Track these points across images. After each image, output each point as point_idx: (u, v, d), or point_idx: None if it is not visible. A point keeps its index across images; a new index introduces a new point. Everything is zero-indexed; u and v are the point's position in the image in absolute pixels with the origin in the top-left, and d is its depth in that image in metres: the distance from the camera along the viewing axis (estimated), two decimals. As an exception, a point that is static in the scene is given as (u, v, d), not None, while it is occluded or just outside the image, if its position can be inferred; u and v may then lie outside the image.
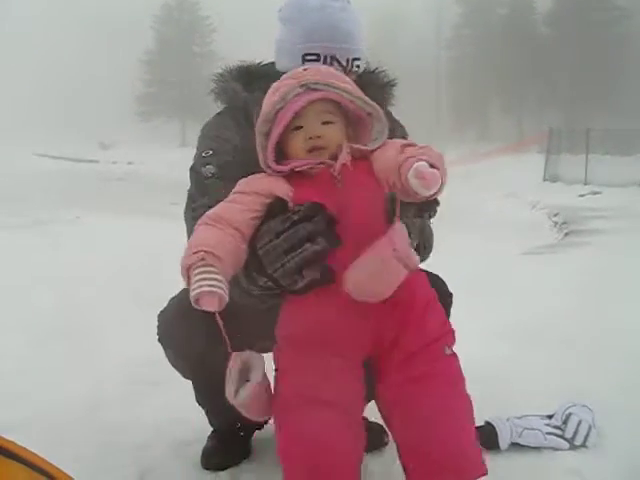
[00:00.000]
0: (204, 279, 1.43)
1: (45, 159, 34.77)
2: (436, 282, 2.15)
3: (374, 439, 2.15)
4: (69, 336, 3.54)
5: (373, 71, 2.15)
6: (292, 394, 1.57)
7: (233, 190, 1.68)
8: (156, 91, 55.92)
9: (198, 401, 2.21)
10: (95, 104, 68.89)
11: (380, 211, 1.59)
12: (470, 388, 2.80)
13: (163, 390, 2.78)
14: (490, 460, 2.16)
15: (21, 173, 21.51)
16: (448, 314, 2.10)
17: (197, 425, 2.35)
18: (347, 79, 1.70)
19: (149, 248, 6.10)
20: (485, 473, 1.56)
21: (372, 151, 1.66)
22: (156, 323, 2.07)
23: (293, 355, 1.62)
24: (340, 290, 1.50)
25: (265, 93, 1.85)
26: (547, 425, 2.32)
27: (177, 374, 2.15)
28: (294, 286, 1.57)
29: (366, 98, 1.66)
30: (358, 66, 1.97)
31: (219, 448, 2.20)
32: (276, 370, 1.66)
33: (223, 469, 2.17)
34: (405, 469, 1.61)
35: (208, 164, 1.98)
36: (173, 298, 2.07)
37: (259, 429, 2.26)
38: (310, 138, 1.61)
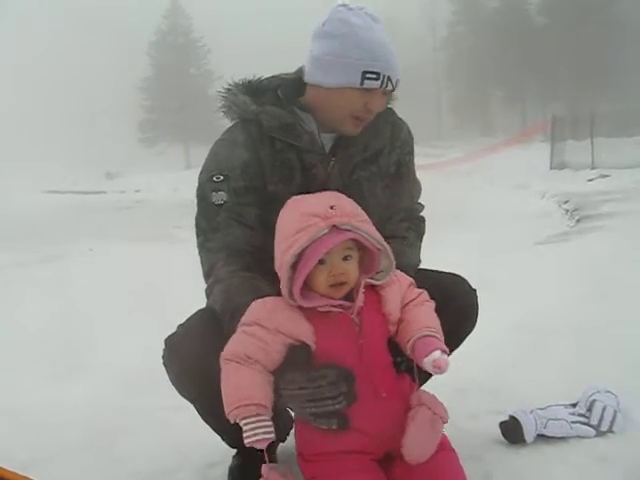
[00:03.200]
0: (258, 427, 1.63)
1: (54, 195, 34.96)
2: (458, 281, 2.19)
3: None
4: (86, 367, 3.56)
5: None
6: None
7: (252, 316, 1.74)
8: (157, 117, 56.40)
9: (207, 422, 2.14)
10: (97, 135, 69.44)
11: (388, 359, 1.78)
12: (490, 381, 2.83)
13: (184, 415, 2.79)
14: (516, 454, 2.19)
15: (30, 209, 21.66)
16: (476, 311, 2.19)
17: (221, 446, 2.34)
18: (364, 215, 1.77)
19: (163, 274, 6.14)
20: None
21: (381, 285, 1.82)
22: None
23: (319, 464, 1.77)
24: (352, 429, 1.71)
25: (274, 105, 2.05)
26: (572, 414, 2.29)
27: None
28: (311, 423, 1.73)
29: (379, 237, 1.76)
30: (398, 88, 2.03)
31: (245, 466, 2.17)
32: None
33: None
34: None
35: (220, 190, 1.99)
36: (181, 325, 2.02)
37: (282, 441, 2.21)
38: (333, 274, 1.71)
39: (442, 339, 1.73)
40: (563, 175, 19.91)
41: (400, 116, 2.25)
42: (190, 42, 59.73)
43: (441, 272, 2.21)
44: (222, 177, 2.00)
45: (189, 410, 2.07)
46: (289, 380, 1.68)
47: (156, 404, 2.96)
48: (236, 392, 1.66)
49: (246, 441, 1.62)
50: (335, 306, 1.72)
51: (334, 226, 1.68)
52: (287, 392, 1.69)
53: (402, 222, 2.20)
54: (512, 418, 2.26)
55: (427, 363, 1.66)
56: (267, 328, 1.71)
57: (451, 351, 2.14)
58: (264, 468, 1.69)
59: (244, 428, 1.63)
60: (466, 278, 2.19)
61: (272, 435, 1.64)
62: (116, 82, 66.41)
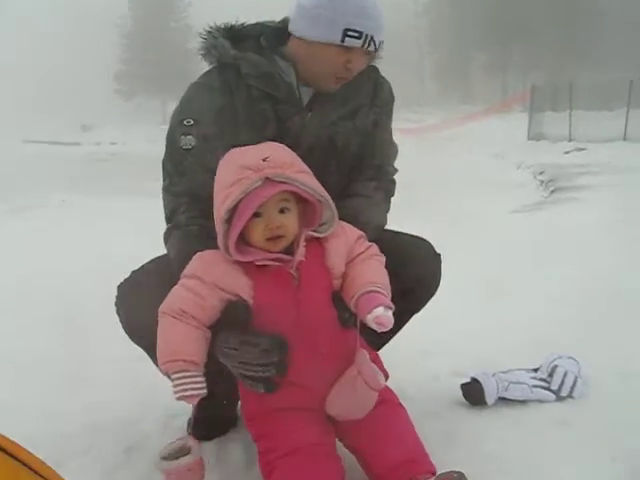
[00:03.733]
0: (185, 383, 1.62)
1: (30, 145, 34.38)
2: (422, 245, 2.18)
3: None
4: (56, 320, 3.52)
5: None
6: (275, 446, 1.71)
7: (191, 270, 1.72)
8: (135, 69, 55.50)
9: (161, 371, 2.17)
10: (75, 87, 68.34)
11: (331, 315, 1.74)
12: (455, 344, 2.86)
13: (147, 365, 2.79)
14: (477, 415, 2.22)
15: (6, 159, 21.30)
16: (438, 276, 2.16)
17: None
18: (302, 166, 1.74)
19: (134, 229, 6.07)
20: (433, 471, 1.66)
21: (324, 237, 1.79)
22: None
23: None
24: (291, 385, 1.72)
25: (255, 52, 1.98)
26: (533, 378, 2.32)
27: None
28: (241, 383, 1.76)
29: (318, 187, 1.73)
30: (382, 49, 1.98)
31: (204, 418, 2.19)
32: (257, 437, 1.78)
33: (210, 439, 2.14)
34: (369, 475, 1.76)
35: (189, 134, 1.95)
36: (134, 271, 2.03)
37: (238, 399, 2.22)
38: (269, 227, 1.68)
39: (388, 294, 1.69)
40: (540, 146, 20.01)
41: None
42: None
43: (405, 234, 2.20)
44: (192, 121, 1.96)
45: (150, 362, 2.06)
46: (223, 339, 1.69)
47: (119, 354, 2.95)
48: (167, 347, 1.66)
49: (174, 396, 1.62)
50: (273, 260, 1.69)
51: (267, 178, 1.65)
52: (220, 349, 1.69)
53: (370, 181, 2.14)
54: (474, 380, 2.28)
55: (370, 320, 1.62)
56: (205, 282, 1.69)
57: (412, 314, 2.19)
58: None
59: (173, 383, 1.62)
60: (430, 242, 2.18)
61: (202, 391, 1.63)
62: (99, 34, 65.14)
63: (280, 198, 1.69)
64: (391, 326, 1.61)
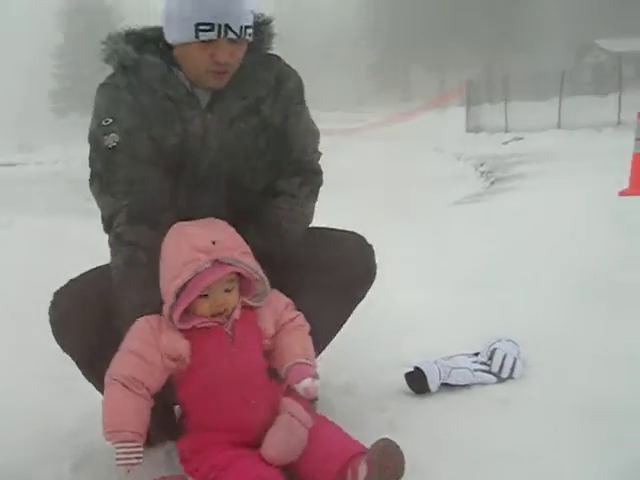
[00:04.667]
0: (130, 453, 1.71)
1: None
2: (354, 238, 2.22)
3: None
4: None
5: (262, 22, 2.09)
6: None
7: (138, 336, 1.83)
8: (70, 86, 54.58)
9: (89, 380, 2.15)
10: (10, 106, 66.85)
11: (262, 358, 1.91)
12: (398, 335, 2.90)
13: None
14: (422, 403, 2.26)
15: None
16: (374, 266, 2.23)
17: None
18: (245, 247, 1.90)
19: (80, 247, 5.97)
20: (364, 451, 1.69)
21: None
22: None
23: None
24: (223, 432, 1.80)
25: (155, 56, 2.00)
26: (474, 362, 2.38)
27: None
28: None
29: (257, 268, 1.88)
30: (250, 34, 1.94)
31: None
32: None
33: (154, 445, 2.09)
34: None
35: (111, 132, 1.96)
36: (72, 280, 2.05)
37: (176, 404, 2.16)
38: (215, 305, 1.85)
39: (313, 363, 1.92)
40: (479, 138, 20.42)
41: (288, 64, 2.17)
42: (102, 10, 57.87)
43: (337, 230, 2.24)
44: (110, 120, 1.97)
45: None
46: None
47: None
48: (116, 417, 1.75)
49: (117, 462, 1.70)
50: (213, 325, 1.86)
51: (216, 260, 1.82)
52: None
53: (294, 177, 2.13)
54: (417, 369, 2.32)
55: (299, 388, 1.83)
56: (151, 349, 1.81)
57: (351, 309, 2.25)
58: None
59: (117, 451, 1.71)
60: (362, 235, 2.23)
61: (141, 460, 1.72)
62: (30, 50, 63.90)
63: (226, 279, 1.85)
64: (317, 394, 1.88)
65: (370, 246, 2.22)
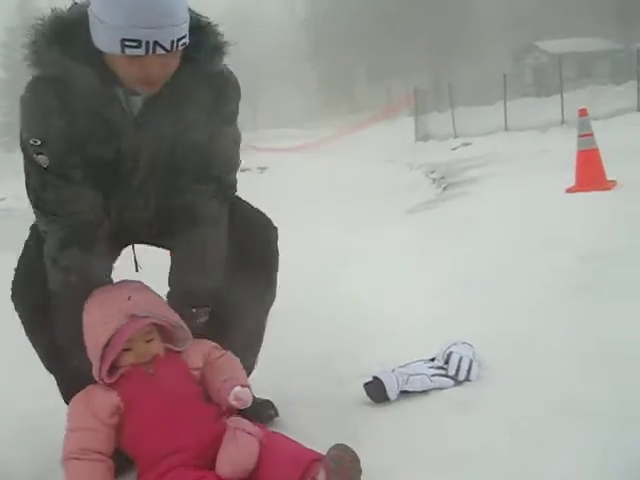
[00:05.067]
0: None
1: None
2: (256, 215, 2.25)
3: (263, 413, 2.24)
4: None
5: (205, 26, 1.94)
6: None
7: (75, 414, 1.91)
8: (14, 120, 53.72)
9: (49, 369, 2.22)
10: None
11: (191, 384, 1.96)
12: (355, 346, 2.91)
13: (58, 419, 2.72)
14: (381, 412, 2.27)
15: None
16: (275, 247, 2.24)
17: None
18: (160, 300, 2.05)
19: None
20: (319, 457, 1.69)
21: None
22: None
23: None
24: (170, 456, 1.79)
25: (84, 61, 1.82)
26: (431, 367, 2.40)
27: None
28: None
29: (176, 318, 2.00)
30: (184, 44, 1.81)
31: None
32: None
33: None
34: None
35: (40, 154, 1.91)
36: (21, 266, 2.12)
37: None
38: (139, 356, 1.93)
39: (243, 377, 2.02)
40: (428, 146, 20.65)
41: (229, 70, 2.06)
42: (44, 39, 57.20)
43: (247, 205, 2.26)
44: (39, 142, 1.90)
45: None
46: None
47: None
48: None
49: None
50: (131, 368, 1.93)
51: (133, 315, 1.91)
52: None
53: (213, 199, 2.09)
54: (375, 378, 2.33)
55: (230, 400, 1.89)
56: (89, 419, 1.87)
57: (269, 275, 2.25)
58: None
59: None
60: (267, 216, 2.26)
61: None
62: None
63: (146, 331, 1.94)
64: (250, 400, 1.92)
65: (275, 229, 2.24)
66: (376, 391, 2.31)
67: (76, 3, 1.92)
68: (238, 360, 2.08)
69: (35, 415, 2.67)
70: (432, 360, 2.47)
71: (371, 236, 6.01)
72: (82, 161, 1.95)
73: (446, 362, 2.42)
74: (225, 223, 2.12)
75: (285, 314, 2.48)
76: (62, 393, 2.23)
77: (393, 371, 2.35)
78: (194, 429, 1.82)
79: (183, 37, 1.80)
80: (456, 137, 21.15)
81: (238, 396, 1.89)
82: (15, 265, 2.13)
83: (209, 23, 1.95)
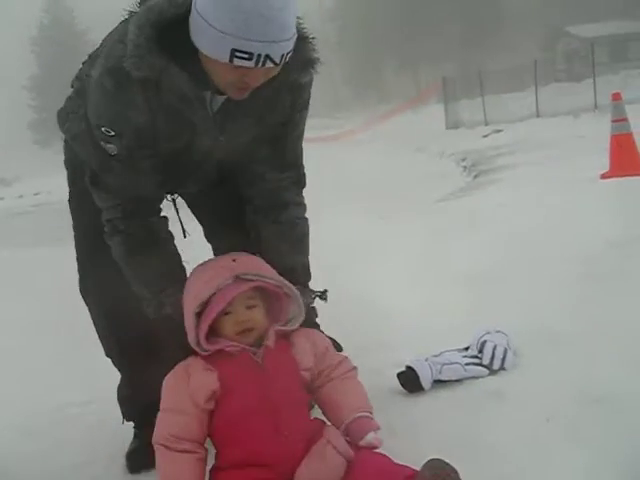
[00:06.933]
0: None
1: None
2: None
3: None
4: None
5: (304, 38, 1.88)
6: None
7: (168, 393, 1.83)
8: (48, 116, 54.39)
9: (119, 367, 2.32)
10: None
11: (298, 388, 1.84)
12: (390, 335, 2.90)
13: (93, 410, 2.78)
14: (415, 402, 2.26)
15: None
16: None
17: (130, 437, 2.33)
18: (268, 267, 1.94)
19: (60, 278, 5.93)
20: (413, 473, 1.62)
21: (292, 331, 1.94)
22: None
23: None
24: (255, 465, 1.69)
25: (180, 63, 1.76)
26: (464, 357, 2.38)
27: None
28: None
29: (286, 282, 1.91)
30: (289, 57, 1.76)
31: (141, 448, 2.15)
32: None
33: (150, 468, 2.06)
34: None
35: (109, 143, 1.88)
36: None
37: None
38: (238, 322, 1.83)
39: (372, 414, 1.84)
40: (459, 134, 20.45)
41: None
42: (74, 36, 57.76)
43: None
44: (113, 133, 1.86)
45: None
46: None
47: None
48: None
49: None
50: (238, 349, 1.81)
51: (237, 276, 1.83)
52: None
53: (294, 185, 2.22)
54: (409, 368, 2.33)
55: (363, 444, 1.74)
56: (183, 400, 1.77)
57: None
58: None
59: None
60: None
61: None
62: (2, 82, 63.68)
63: (247, 296, 1.84)
64: (381, 445, 1.75)
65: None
66: (410, 381, 2.31)
67: None
68: (361, 383, 1.96)
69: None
70: (466, 349, 2.45)
71: (402, 225, 5.97)
72: (153, 153, 1.95)
73: (480, 351, 2.40)
74: (306, 205, 2.24)
75: (315, 306, 2.47)
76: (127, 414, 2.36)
77: (426, 360, 2.34)
78: (289, 445, 1.70)
79: (290, 50, 1.75)
80: (487, 124, 20.95)
81: (373, 445, 1.75)
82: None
83: (307, 37, 1.90)
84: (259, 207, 2.19)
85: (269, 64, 1.69)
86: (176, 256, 2.13)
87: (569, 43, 40.71)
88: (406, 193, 9.96)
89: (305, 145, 2.26)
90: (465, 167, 12.58)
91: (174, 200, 2.34)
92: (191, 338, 1.82)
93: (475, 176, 10.69)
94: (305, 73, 1.96)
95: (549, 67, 32.17)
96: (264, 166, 2.14)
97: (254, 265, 1.91)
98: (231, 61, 1.68)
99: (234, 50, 1.65)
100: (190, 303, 1.84)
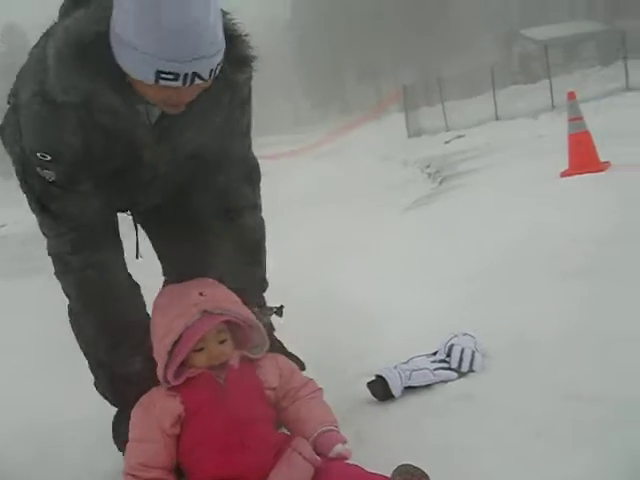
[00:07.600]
0: None
1: None
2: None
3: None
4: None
5: (236, 37, 1.78)
6: None
7: (135, 422, 1.85)
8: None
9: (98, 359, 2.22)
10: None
11: (263, 404, 1.88)
12: (359, 344, 2.90)
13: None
14: (386, 410, 2.26)
15: None
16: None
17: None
18: (234, 297, 1.96)
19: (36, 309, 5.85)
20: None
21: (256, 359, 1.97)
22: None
23: None
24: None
25: (108, 82, 1.66)
26: (433, 362, 2.39)
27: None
28: None
29: (251, 316, 1.94)
30: (220, 66, 1.67)
31: (124, 414, 2.07)
32: None
33: None
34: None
35: (47, 169, 1.82)
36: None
37: None
38: (212, 358, 1.85)
39: (337, 428, 1.88)
40: (421, 141, 20.59)
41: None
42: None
43: None
44: (49, 157, 1.79)
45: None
46: None
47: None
48: None
49: None
50: (200, 371, 1.84)
51: (205, 311, 1.83)
52: None
53: (245, 183, 2.21)
54: (378, 377, 2.33)
55: (333, 456, 1.78)
56: (150, 428, 1.79)
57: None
58: None
59: None
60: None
61: None
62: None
63: (219, 330, 1.86)
64: (351, 455, 1.80)
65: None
66: (380, 389, 2.31)
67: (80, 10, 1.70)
68: (326, 402, 2.00)
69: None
70: (434, 354, 2.46)
71: (370, 233, 5.98)
72: (93, 174, 1.89)
73: (448, 355, 2.41)
74: (261, 204, 2.24)
75: (285, 313, 2.46)
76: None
77: (395, 367, 2.34)
78: (257, 456, 1.71)
79: (220, 62, 1.67)
80: (448, 130, 21.14)
81: (342, 455, 1.79)
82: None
83: (240, 35, 1.79)
84: (213, 215, 2.18)
85: (198, 81, 1.62)
86: (134, 307, 2.11)
87: (524, 45, 41.29)
88: (373, 201, 9.98)
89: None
90: (429, 174, 12.63)
91: (133, 215, 2.32)
92: (160, 372, 1.84)
93: (440, 182, 10.75)
94: (241, 71, 1.85)
95: (506, 70, 32.66)
96: (212, 166, 2.12)
97: (220, 297, 1.91)
98: (157, 82, 1.60)
99: (159, 72, 1.57)
100: (161, 340, 1.84)
